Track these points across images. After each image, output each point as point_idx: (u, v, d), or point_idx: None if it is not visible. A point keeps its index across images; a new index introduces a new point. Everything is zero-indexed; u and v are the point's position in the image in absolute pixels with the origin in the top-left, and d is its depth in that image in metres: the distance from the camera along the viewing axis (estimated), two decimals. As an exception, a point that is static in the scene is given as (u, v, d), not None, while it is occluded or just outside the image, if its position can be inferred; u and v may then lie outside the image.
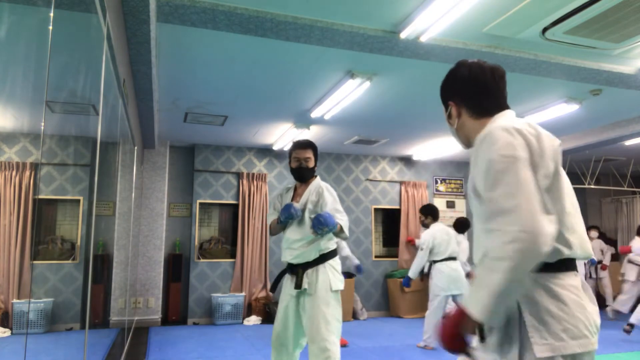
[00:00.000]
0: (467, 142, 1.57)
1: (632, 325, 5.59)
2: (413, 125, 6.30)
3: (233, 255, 7.29)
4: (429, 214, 5.45)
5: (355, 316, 7.36)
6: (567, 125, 6.19)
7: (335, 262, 2.97)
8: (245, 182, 7.34)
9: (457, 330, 1.26)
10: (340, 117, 5.67)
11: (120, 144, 3.89)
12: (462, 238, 6.67)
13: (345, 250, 6.40)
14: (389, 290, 7.75)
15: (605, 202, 9.81)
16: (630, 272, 6.92)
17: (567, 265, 1.31)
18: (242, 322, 6.89)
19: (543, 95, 4.99)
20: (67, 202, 4.36)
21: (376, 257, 7.98)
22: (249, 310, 7.07)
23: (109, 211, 3.91)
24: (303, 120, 5.92)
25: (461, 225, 6.65)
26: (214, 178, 7.34)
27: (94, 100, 2.62)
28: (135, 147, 5.41)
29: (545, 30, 3.51)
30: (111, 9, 2.47)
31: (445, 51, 3.74)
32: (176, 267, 6.94)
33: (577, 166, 8.32)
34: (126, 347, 4.96)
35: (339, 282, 2.91)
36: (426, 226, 5.46)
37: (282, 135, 6.67)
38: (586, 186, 8.36)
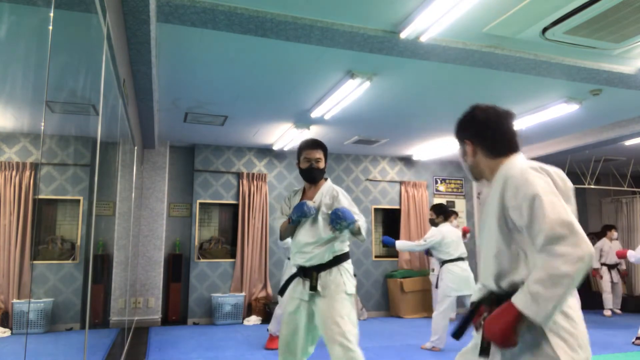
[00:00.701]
0: (480, 177, 1.78)
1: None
2: (413, 125, 6.30)
3: (233, 255, 7.29)
4: (441, 213, 5.37)
5: (355, 316, 7.35)
6: (567, 125, 6.19)
7: (349, 265, 2.88)
8: (245, 182, 7.34)
9: (513, 330, 1.44)
10: (340, 117, 5.67)
11: (120, 144, 3.89)
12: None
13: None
14: (389, 291, 7.75)
15: (605, 202, 9.81)
16: None
17: None
18: (242, 322, 6.89)
19: (543, 95, 4.99)
20: (67, 202, 4.36)
21: (376, 257, 7.98)
22: (249, 310, 7.07)
23: (109, 211, 3.91)
24: (303, 120, 5.92)
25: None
26: (214, 178, 7.34)
27: (94, 100, 2.62)
28: (135, 147, 5.41)
29: (545, 30, 3.51)
30: (111, 9, 2.47)
31: (445, 51, 3.74)
32: (176, 267, 6.94)
33: (577, 166, 8.32)
34: (126, 347, 4.96)
35: (352, 286, 2.83)
36: (435, 225, 5.37)
37: (282, 135, 6.67)
38: (586, 186, 8.36)
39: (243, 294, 7.00)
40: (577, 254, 1.35)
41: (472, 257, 7.49)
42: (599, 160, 7.94)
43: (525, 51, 3.86)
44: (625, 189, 8.64)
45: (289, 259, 5.22)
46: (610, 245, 8.03)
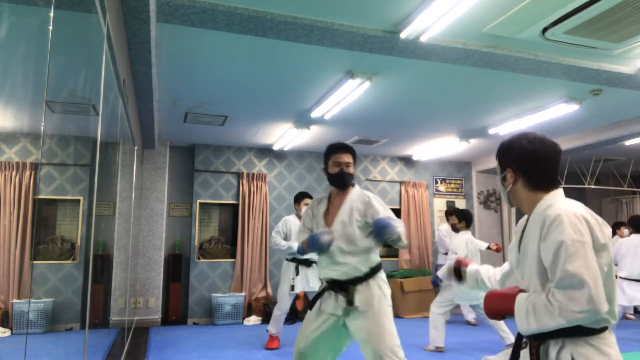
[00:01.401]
0: (515, 204, 1.80)
1: None
2: (413, 125, 6.30)
3: (233, 255, 7.29)
4: (464, 219, 5.20)
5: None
6: (567, 125, 6.19)
7: (384, 275, 2.75)
8: (245, 182, 7.34)
9: (502, 314, 1.62)
10: (340, 117, 5.67)
11: (120, 144, 3.89)
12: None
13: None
14: (389, 290, 7.74)
15: (605, 202, 9.81)
16: None
17: (609, 327, 1.58)
18: (242, 322, 6.89)
19: (543, 95, 4.99)
20: (67, 202, 4.36)
21: (376, 257, 7.97)
22: (249, 310, 7.07)
23: (109, 211, 3.91)
24: (303, 120, 5.92)
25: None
26: (214, 178, 7.34)
27: (94, 100, 2.62)
28: (135, 147, 5.41)
29: (545, 30, 3.51)
30: (111, 9, 2.47)
31: (445, 51, 3.74)
32: (176, 267, 6.94)
33: (577, 166, 8.32)
34: (126, 347, 4.96)
35: (390, 297, 2.71)
36: (457, 231, 5.27)
37: (282, 135, 6.67)
38: (586, 186, 8.36)
39: (243, 294, 7.00)
40: (581, 305, 1.42)
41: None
42: (599, 160, 7.94)
43: (525, 51, 3.86)
44: (625, 189, 8.64)
45: (287, 259, 5.21)
46: None
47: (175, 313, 6.86)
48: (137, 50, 3.30)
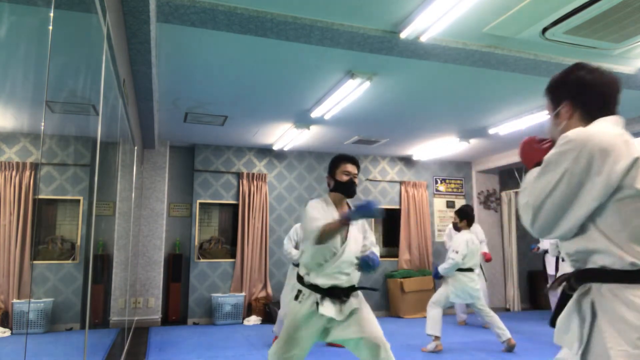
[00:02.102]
0: None
1: None
2: (413, 125, 6.30)
3: (233, 255, 7.29)
4: (465, 218, 5.17)
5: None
6: (567, 125, 6.18)
7: None
8: (245, 182, 7.34)
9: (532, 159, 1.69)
10: (340, 117, 5.67)
11: (120, 144, 3.89)
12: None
13: None
14: (389, 291, 7.75)
15: (605, 202, 9.81)
16: None
17: None
18: (242, 322, 6.89)
19: (543, 95, 4.98)
20: (67, 202, 4.36)
21: (376, 257, 7.97)
22: (249, 310, 7.07)
23: (109, 211, 3.91)
24: (303, 120, 5.92)
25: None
26: (214, 178, 7.34)
27: (94, 100, 2.62)
28: (135, 147, 5.41)
29: (545, 30, 3.51)
30: (111, 9, 2.47)
31: (445, 51, 3.74)
32: (176, 267, 6.94)
33: (577, 166, 8.31)
34: (126, 347, 4.96)
35: None
36: (458, 230, 5.26)
37: (282, 135, 6.67)
38: (586, 186, 8.36)
39: (243, 294, 7.00)
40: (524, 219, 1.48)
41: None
42: (599, 160, 7.93)
43: (525, 51, 3.86)
44: (625, 189, 8.63)
45: (293, 264, 5.18)
46: None
47: (175, 313, 6.87)
48: (137, 50, 3.31)
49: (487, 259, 6.62)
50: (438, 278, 5.27)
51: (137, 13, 2.79)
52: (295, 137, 6.55)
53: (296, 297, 2.74)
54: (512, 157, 7.80)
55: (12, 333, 2.92)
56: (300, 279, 2.79)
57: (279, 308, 6.97)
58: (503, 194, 8.67)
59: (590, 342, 1.36)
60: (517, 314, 7.77)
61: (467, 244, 5.00)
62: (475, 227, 6.55)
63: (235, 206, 7.41)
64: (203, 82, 4.62)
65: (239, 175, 7.40)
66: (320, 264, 2.72)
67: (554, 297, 7.35)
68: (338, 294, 2.70)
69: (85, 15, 2.23)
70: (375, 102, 5.20)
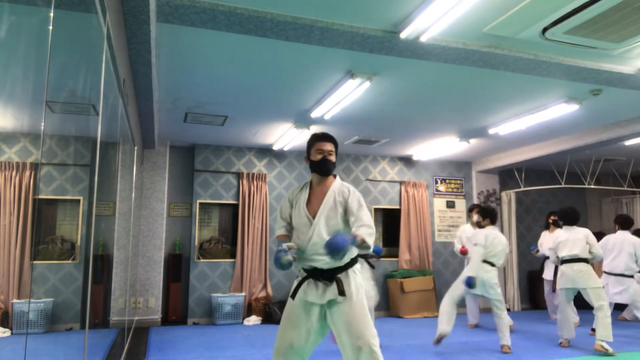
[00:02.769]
0: None
1: None
2: (413, 125, 6.30)
3: (233, 255, 7.29)
4: (489, 216, 5.34)
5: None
6: (567, 125, 6.19)
7: (358, 267, 2.80)
8: (245, 182, 7.34)
9: None
10: (340, 117, 5.67)
11: (120, 144, 3.89)
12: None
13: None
14: (389, 290, 7.75)
15: (606, 202, 9.81)
16: None
17: None
18: (242, 322, 6.89)
19: (543, 95, 4.99)
20: (67, 202, 4.36)
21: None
22: (249, 310, 7.07)
23: (109, 211, 3.91)
24: (303, 120, 5.92)
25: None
26: (214, 178, 7.34)
27: (94, 100, 2.62)
28: (135, 147, 5.41)
29: (545, 30, 3.51)
30: (111, 9, 2.47)
31: (445, 51, 3.74)
32: (176, 267, 6.94)
33: (577, 166, 8.31)
34: (126, 347, 4.96)
35: (363, 289, 2.78)
36: (481, 227, 5.36)
37: (282, 135, 6.67)
38: (586, 186, 8.36)
39: (243, 294, 7.00)
40: None
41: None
42: (599, 160, 7.94)
43: (525, 51, 3.86)
44: (625, 189, 8.64)
45: None
46: None
47: (175, 313, 6.87)
48: (137, 50, 3.30)
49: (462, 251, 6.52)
50: (472, 286, 5.05)
51: (137, 13, 2.79)
52: (295, 137, 6.55)
53: (297, 277, 2.82)
54: (512, 157, 7.80)
55: (12, 333, 2.92)
56: None
57: (279, 308, 6.99)
58: (503, 194, 8.67)
59: None
60: (517, 314, 7.77)
61: (485, 238, 5.09)
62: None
63: (235, 206, 7.41)
64: (203, 82, 4.62)
65: (239, 175, 7.40)
66: (300, 246, 2.73)
67: (553, 298, 7.35)
68: (317, 276, 2.68)
69: (85, 15, 2.23)
70: (375, 102, 5.20)
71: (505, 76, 4.38)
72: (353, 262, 2.76)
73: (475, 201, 8.58)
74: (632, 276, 5.87)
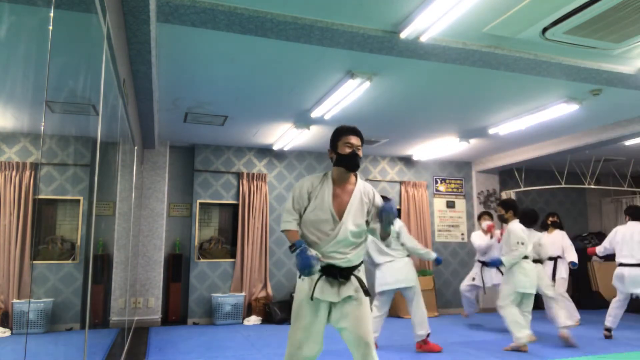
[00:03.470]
0: None
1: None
2: (413, 125, 6.30)
3: (233, 255, 7.29)
4: (510, 208, 5.16)
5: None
6: (567, 125, 6.19)
7: (362, 267, 2.79)
8: (245, 182, 7.34)
9: None
10: (340, 117, 5.67)
11: (120, 144, 3.89)
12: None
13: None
14: (389, 290, 7.74)
15: (605, 202, 9.81)
16: None
17: None
18: (242, 322, 6.89)
19: (543, 95, 4.99)
20: (67, 202, 4.37)
21: (376, 257, 7.98)
22: (249, 310, 7.07)
23: (109, 211, 3.91)
24: (303, 120, 5.92)
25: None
26: (214, 178, 7.34)
27: (94, 100, 2.62)
28: (135, 147, 5.41)
29: (545, 30, 3.51)
30: (111, 9, 2.47)
31: (445, 51, 3.74)
32: (176, 267, 6.94)
33: (577, 166, 8.31)
34: (126, 347, 4.96)
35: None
36: (505, 222, 5.21)
37: (282, 135, 6.67)
38: (586, 186, 8.36)
39: (243, 294, 7.00)
40: None
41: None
42: (599, 160, 7.94)
43: (525, 51, 3.86)
44: (625, 189, 8.64)
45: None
46: None
47: (175, 313, 6.87)
48: (137, 50, 3.31)
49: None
50: (498, 265, 5.15)
51: (137, 13, 2.79)
52: (295, 137, 6.56)
53: (300, 275, 2.66)
54: (512, 157, 7.80)
55: (12, 333, 2.92)
56: None
57: (279, 308, 6.99)
58: (503, 194, 8.66)
59: None
60: (517, 314, 7.76)
61: (523, 231, 4.98)
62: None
63: (235, 206, 7.41)
64: (203, 82, 4.62)
65: (239, 175, 7.40)
66: (315, 242, 2.65)
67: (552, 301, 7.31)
68: (334, 274, 2.62)
69: (85, 15, 2.23)
70: (375, 102, 5.20)
71: (505, 76, 4.38)
72: (361, 262, 2.78)
73: (475, 201, 8.58)
74: None
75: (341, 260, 2.63)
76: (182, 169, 7.35)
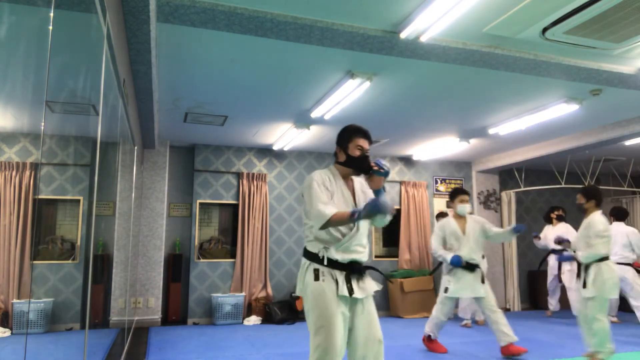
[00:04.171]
0: None
1: None
2: (413, 125, 6.30)
3: (233, 255, 7.29)
4: (593, 197, 4.28)
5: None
6: (567, 125, 6.19)
7: None
8: (245, 182, 7.34)
9: None
10: (341, 117, 5.67)
11: (120, 144, 3.89)
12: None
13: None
14: (389, 291, 7.74)
15: (605, 202, 9.78)
16: None
17: None
18: (242, 322, 6.89)
19: (543, 95, 4.99)
20: (67, 202, 4.36)
21: (376, 257, 7.98)
22: (249, 310, 7.07)
23: (109, 211, 3.91)
24: (303, 120, 5.92)
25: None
26: (214, 178, 7.34)
27: (94, 100, 2.62)
28: (135, 147, 5.41)
29: (545, 30, 3.51)
30: (111, 9, 2.47)
31: (445, 51, 3.74)
32: (176, 267, 6.94)
33: (577, 166, 8.32)
34: (126, 347, 4.96)
35: None
36: (583, 211, 4.37)
37: (282, 135, 6.67)
38: (586, 186, 8.35)
39: (243, 294, 7.00)
40: None
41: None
42: (599, 160, 7.94)
43: (525, 51, 3.86)
44: (625, 189, 8.64)
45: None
46: None
47: (175, 313, 6.87)
48: (137, 50, 3.31)
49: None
50: (569, 259, 4.47)
51: (137, 13, 2.79)
52: (295, 137, 6.56)
53: (316, 278, 2.54)
54: (512, 157, 7.80)
55: (12, 333, 2.92)
56: (313, 256, 2.59)
57: (279, 308, 6.99)
58: (503, 194, 8.66)
59: None
60: (517, 314, 7.77)
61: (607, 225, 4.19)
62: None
63: (235, 206, 7.41)
64: (203, 82, 4.62)
65: (239, 175, 7.40)
66: (338, 238, 2.59)
67: (553, 300, 7.35)
68: (358, 269, 2.60)
69: (85, 15, 2.23)
70: (375, 102, 5.20)
71: (505, 76, 4.38)
72: None
73: (475, 201, 8.58)
74: (629, 264, 6.10)
75: (362, 254, 2.65)
76: (182, 169, 7.35)
